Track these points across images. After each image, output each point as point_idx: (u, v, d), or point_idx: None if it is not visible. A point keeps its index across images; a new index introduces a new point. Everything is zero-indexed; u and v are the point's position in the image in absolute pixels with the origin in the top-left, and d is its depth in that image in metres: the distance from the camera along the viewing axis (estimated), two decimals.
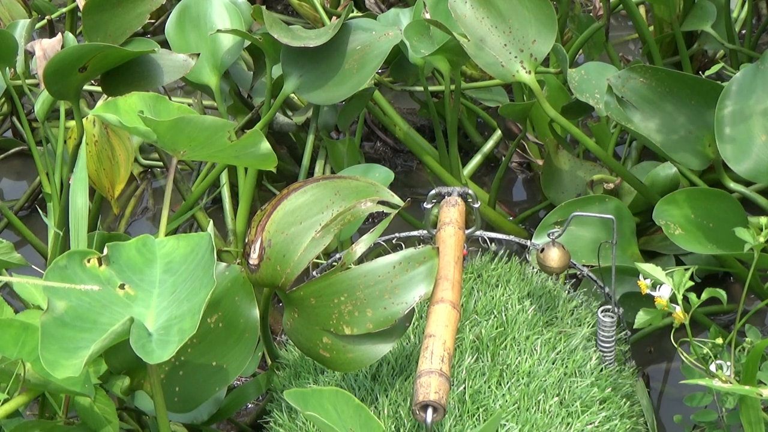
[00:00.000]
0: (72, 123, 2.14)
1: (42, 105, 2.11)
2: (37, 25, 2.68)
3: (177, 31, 2.19)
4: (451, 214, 1.59)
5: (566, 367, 1.57)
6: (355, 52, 2.04)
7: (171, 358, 1.30)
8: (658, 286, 1.46)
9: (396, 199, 1.53)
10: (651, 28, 2.62)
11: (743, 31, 2.70)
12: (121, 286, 1.38)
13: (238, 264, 1.53)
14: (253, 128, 1.58)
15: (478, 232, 1.66)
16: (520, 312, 1.62)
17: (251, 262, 1.52)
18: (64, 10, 2.74)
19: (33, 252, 2.29)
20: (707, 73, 2.02)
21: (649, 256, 2.18)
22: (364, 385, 1.54)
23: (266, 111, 2.13)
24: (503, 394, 1.50)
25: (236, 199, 2.22)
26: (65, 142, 2.17)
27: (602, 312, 1.64)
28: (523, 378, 1.53)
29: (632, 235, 2.02)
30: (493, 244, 1.74)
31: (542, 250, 1.63)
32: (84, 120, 2.00)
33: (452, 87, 2.22)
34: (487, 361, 1.55)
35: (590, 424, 1.51)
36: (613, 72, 2.01)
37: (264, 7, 2.09)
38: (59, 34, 2.03)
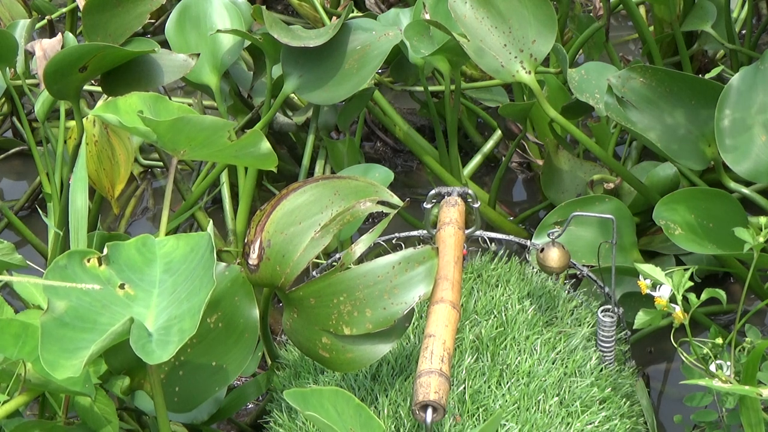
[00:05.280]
0: (72, 123, 2.14)
1: (42, 105, 2.11)
2: (37, 25, 2.68)
3: (177, 31, 2.19)
4: (451, 214, 1.59)
5: (566, 367, 1.57)
6: (355, 52, 2.04)
7: (171, 358, 1.30)
8: (658, 287, 1.46)
9: (395, 199, 1.53)
10: (651, 28, 2.62)
11: (743, 31, 2.70)
12: (121, 286, 1.38)
13: (237, 264, 1.53)
14: (254, 128, 1.58)
15: (478, 232, 1.66)
16: (520, 312, 1.62)
17: (251, 262, 1.52)
18: (64, 10, 2.74)
19: (33, 252, 2.29)
20: (707, 76, 2.02)
21: (650, 256, 2.18)
22: (364, 385, 1.54)
23: (266, 111, 2.13)
24: (503, 394, 1.50)
25: (236, 199, 2.22)
26: (65, 142, 2.17)
27: (602, 312, 1.64)
28: (523, 378, 1.53)
29: (632, 235, 2.02)
30: (493, 244, 1.74)
31: (542, 250, 1.63)
32: (84, 120, 2.00)
33: (452, 87, 2.22)
34: (487, 361, 1.55)
35: (590, 424, 1.51)
36: (613, 72, 2.01)
37: (264, 7, 2.09)
38: (59, 34, 2.03)
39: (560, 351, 1.59)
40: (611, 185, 2.19)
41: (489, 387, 1.51)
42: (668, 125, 1.96)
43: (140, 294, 1.38)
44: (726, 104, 1.89)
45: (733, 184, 1.98)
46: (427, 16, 2.15)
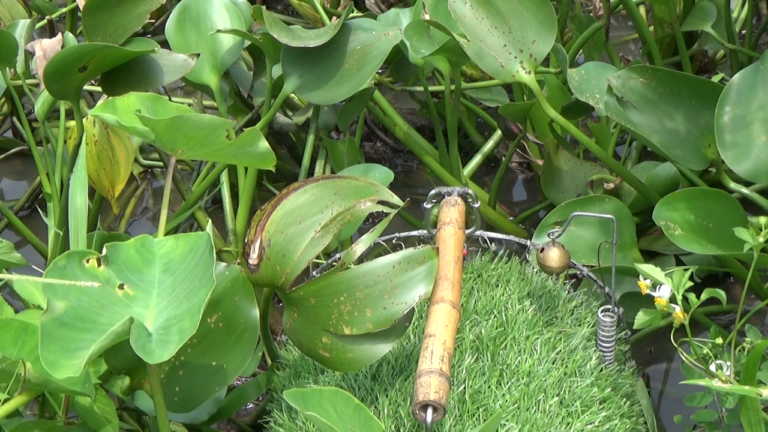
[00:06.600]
0: (72, 123, 2.14)
1: (42, 105, 2.11)
2: (37, 25, 2.68)
3: (177, 31, 2.19)
4: (451, 214, 1.59)
5: (566, 366, 1.57)
6: (355, 52, 2.04)
7: (171, 358, 1.30)
8: (658, 287, 1.46)
9: (396, 199, 1.53)
10: (651, 28, 2.62)
11: (743, 31, 2.70)
12: (120, 286, 1.38)
13: (237, 264, 1.53)
14: (252, 127, 1.57)
15: (478, 232, 1.66)
16: (520, 312, 1.62)
17: (251, 262, 1.52)
18: (64, 10, 2.74)
19: (33, 252, 2.29)
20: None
21: (650, 256, 2.18)
22: (364, 385, 1.54)
23: (266, 111, 2.13)
24: (503, 394, 1.50)
25: (236, 199, 2.22)
26: (65, 142, 2.17)
27: (602, 312, 1.64)
28: (523, 378, 1.53)
29: (632, 235, 2.02)
30: (493, 244, 1.74)
31: (542, 250, 1.63)
32: (84, 120, 2.00)
33: (452, 87, 2.22)
34: (487, 361, 1.55)
35: (590, 423, 1.51)
36: (613, 72, 2.01)
37: (264, 7, 2.09)
38: (59, 34, 2.03)
39: (560, 351, 1.59)
40: (611, 185, 2.19)
41: (489, 387, 1.51)
42: (668, 125, 1.96)
43: (139, 294, 1.38)
44: (726, 102, 1.89)
45: (733, 184, 1.98)
46: (427, 17, 2.14)
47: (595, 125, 2.31)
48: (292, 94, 2.31)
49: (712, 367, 1.51)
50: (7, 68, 2.14)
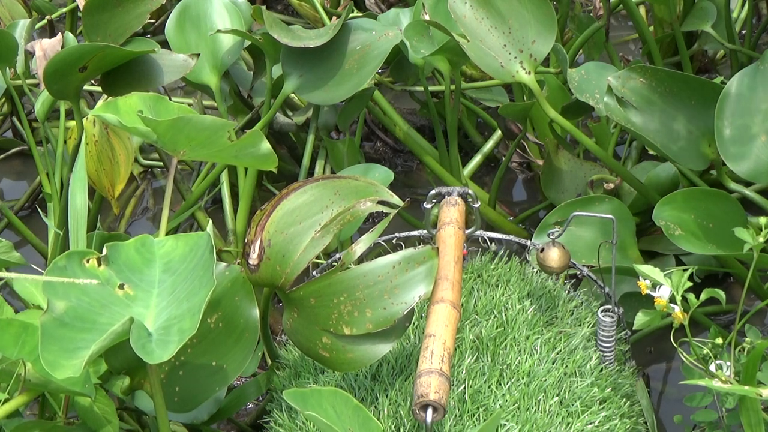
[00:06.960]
0: (72, 123, 2.14)
1: (42, 105, 2.11)
2: (37, 25, 2.68)
3: (177, 31, 2.19)
4: (451, 214, 1.59)
5: (566, 366, 1.57)
6: (355, 52, 2.04)
7: (171, 358, 1.30)
8: (658, 287, 1.46)
9: (396, 199, 1.53)
10: (651, 28, 2.62)
11: (743, 31, 2.70)
12: (121, 286, 1.38)
13: (237, 264, 1.53)
14: (254, 128, 1.58)
15: (478, 232, 1.66)
16: (520, 312, 1.62)
17: (251, 262, 1.52)
18: (64, 10, 2.74)
19: (33, 252, 2.29)
20: None
21: (649, 256, 2.18)
22: (364, 385, 1.54)
23: (266, 111, 2.13)
24: (503, 394, 1.50)
25: (236, 199, 2.22)
26: (65, 142, 2.17)
27: (602, 312, 1.64)
28: (523, 378, 1.53)
29: (632, 235, 2.02)
30: (493, 244, 1.74)
31: (542, 250, 1.63)
32: (84, 120, 2.00)
33: (452, 87, 2.22)
34: (487, 361, 1.55)
35: (590, 423, 1.51)
36: (613, 72, 2.01)
37: (264, 7, 2.09)
38: (59, 34, 2.03)
39: (560, 351, 1.59)
40: (611, 185, 2.19)
41: (489, 387, 1.51)
42: (668, 125, 1.96)
43: (140, 294, 1.38)
44: (726, 109, 1.89)
45: (733, 184, 1.98)
46: (427, 17, 2.15)
47: (595, 125, 2.31)
48: (292, 94, 2.31)
49: (712, 367, 1.51)
50: (7, 68, 2.14)
